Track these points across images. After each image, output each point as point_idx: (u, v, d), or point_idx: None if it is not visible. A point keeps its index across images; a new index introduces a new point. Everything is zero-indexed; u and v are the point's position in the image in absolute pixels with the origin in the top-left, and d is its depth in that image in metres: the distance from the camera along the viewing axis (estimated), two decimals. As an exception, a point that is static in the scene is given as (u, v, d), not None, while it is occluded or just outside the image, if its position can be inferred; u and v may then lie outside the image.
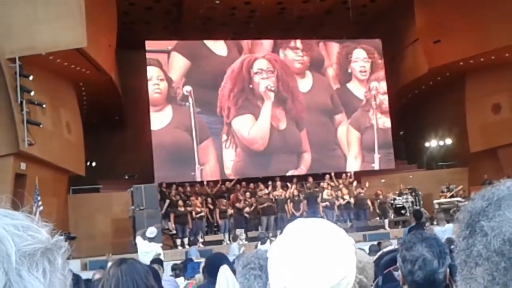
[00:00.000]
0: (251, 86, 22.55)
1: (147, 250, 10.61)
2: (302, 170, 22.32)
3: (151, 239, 11.12)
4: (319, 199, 19.91)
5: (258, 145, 22.29)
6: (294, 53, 23.39)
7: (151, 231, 11.27)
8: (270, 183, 20.63)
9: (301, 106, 22.93)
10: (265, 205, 19.28)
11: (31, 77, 14.77)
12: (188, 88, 21.80)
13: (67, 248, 0.82)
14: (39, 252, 0.75)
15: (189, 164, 21.34)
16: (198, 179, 21.29)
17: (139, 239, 11.32)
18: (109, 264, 2.98)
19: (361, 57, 24.08)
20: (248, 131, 22.37)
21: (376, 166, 23.34)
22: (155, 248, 10.79)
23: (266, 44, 23.01)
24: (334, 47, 24.06)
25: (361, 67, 23.99)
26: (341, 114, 23.52)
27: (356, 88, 23.83)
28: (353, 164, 23.12)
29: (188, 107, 21.85)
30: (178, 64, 22.02)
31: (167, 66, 21.77)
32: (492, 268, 0.77)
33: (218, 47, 22.63)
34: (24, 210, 0.82)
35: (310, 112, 22.94)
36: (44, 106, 15.55)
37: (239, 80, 22.47)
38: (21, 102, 14.46)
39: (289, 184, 20.50)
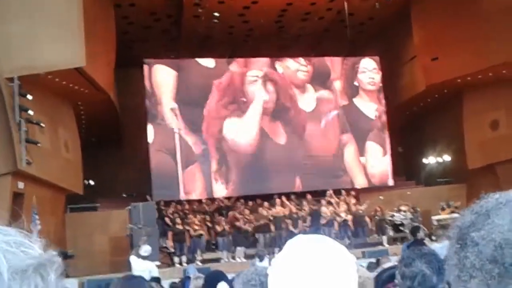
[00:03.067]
0: (244, 99, 21.62)
1: (141, 268, 10.53)
2: (300, 187, 22.09)
3: (145, 257, 11.05)
4: (322, 217, 19.76)
5: (250, 148, 21.32)
6: (296, 62, 22.85)
7: (145, 250, 11.20)
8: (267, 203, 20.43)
9: (301, 118, 22.17)
10: (261, 222, 19.20)
11: (29, 96, 14.80)
12: (173, 105, 20.87)
13: (60, 264, 0.81)
14: (31, 268, 0.74)
15: (172, 192, 20.34)
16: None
17: (133, 258, 11.25)
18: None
19: (369, 67, 23.78)
20: (236, 133, 21.27)
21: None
22: (150, 267, 10.71)
23: (263, 61, 22.69)
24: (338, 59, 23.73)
25: (370, 78, 23.64)
26: (348, 134, 23.03)
27: (364, 104, 23.49)
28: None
29: (172, 127, 20.79)
30: (162, 78, 21.27)
31: (147, 80, 21.21)
32: (486, 278, 0.76)
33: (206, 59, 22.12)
34: (17, 226, 0.82)
35: (312, 131, 22.30)
36: (42, 125, 15.57)
37: (229, 92, 21.46)
38: (20, 121, 14.47)
39: (286, 202, 20.35)
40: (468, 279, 0.78)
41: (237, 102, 21.61)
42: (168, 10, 21.49)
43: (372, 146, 23.21)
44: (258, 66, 22.51)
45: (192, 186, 20.81)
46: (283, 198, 20.39)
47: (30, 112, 14.88)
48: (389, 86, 23.76)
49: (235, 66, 22.24)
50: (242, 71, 22.02)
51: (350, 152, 22.92)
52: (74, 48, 15.46)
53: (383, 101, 23.63)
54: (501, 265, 0.75)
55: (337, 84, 23.32)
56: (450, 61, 20.37)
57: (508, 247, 0.75)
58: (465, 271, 0.79)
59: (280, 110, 22.06)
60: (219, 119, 21.34)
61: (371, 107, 23.52)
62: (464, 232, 0.81)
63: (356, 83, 23.58)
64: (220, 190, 21.11)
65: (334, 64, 23.53)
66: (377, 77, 23.80)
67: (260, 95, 21.79)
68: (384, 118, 23.51)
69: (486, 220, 0.79)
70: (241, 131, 21.44)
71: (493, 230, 0.77)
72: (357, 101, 23.51)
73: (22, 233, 0.80)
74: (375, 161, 23.11)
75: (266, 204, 20.01)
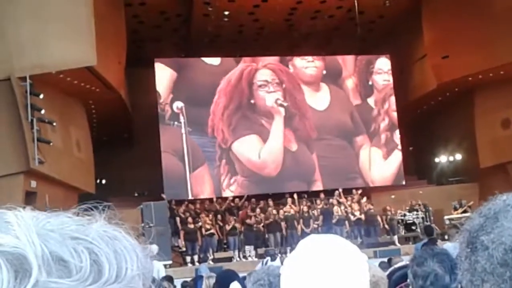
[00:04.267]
0: (252, 101, 21.15)
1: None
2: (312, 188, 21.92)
3: (152, 257, 11.06)
4: (332, 215, 19.71)
5: (270, 170, 20.84)
6: (303, 59, 22.55)
7: (152, 249, 11.22)
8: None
9: (309, 123, 21.71)
10: (272, 221, 19.16)
11: (41, 96, 14.88)
12: (179, 104, 20.49)
13: None
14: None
15: (182, 193, 20.00)
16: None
17: None
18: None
19: (385, 69, 23.57)
20: (258, 154, 20.72)
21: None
22: (157, 266, 10.72)
23: (272, 60, 22.48)
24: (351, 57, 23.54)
25: (385, 80, 23.46)
26: (363, 135, 22.78)
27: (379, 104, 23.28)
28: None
29: (179, 127, 20.34)
30: (163, 76, 21.05)
31: (158, 80, 21.06)
32: (498, 281, 0.75)
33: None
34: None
35: (326, 133, 21.93)
36: (54, 124, 15.64)
37: (236, 94, 20.97)
38: (32, 120, 14.56)
39: (296, 202, 20.25)
40: (480, 283, 0.78)
41: (243, 108, 21.12)
42: (178, 9, 21.53)
43: (376, 151, 23.06)
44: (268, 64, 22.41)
45: (200, 188, 20.62)
46: (295, 197, 20.33)
47: (42, 111, 14.96)
48: (400, 85, 23.68)
49: (243, 65, 22.02)
50: (250, 70, 21.63)
51: (365, 153, 22.72)
52: (85, 47, 15.53)
53: (393, 105, 23.49)
54: None
55: (349, 83, 23.15)
56: (461, 59, 20.26)
57: None
58: (476, 275, 0.79)
59: (289, 117, 21.68)
60: (224, 128, 20.89)
61: (385, 108, 23.35)
62: (474, 236, 0.81)
63: (370, 83, 23.44)
64: (229, 193, 20.92)
65: (346, 62, 23.40)
66: (391, 78, 23.63)
67: (278, 112, 21.32)
68: (394, 119, 23.37)
69: (495, 223, 0.79)
70: (264, 152, 21.03)
71: (503, 233, 0.77)
72: (371, 101, 23.38)
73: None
74: (381, 165, 22.93)
75: (274, 203, 19.97)
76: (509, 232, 0.77)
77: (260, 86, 21.52)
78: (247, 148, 20.89)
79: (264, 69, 21.89)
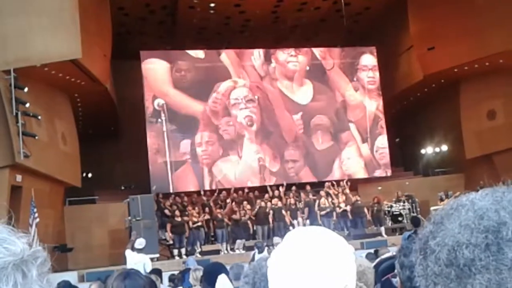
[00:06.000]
0: (231, 123, 21.12)
1: (135, 261, 10.55)
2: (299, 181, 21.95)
3: (139, 250, 11.05)
4: (316, 207, 19.77)
5: (251, 181, 20.96)
6: (285, 54, 22.57)
7: (140, 242, 11.20)
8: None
9: (290, 134, 21.67)
10: (260, 214, 19.14)
11: (26, 89, 14.77)
12: (160, 101, 20.42)
13: (45, 259, 0.81)
14: (10, 265, 0.75)
15: (166, 189, 19.84)
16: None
17: (128, 251, 11.27)
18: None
19: (369, 65, 23.58)
20: (234, 174, 20.76)
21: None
22: (143, 260, 10.72)
23: (256, 52, 22.48)
24: (335, 50, 23.56)
25: (370, 77, 23.39)
26: (349, 131, 22.76)
27: (363, 99, 23.21)
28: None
29: (161, 124, 20.26)
30: (154, 73, 20.92)
31: (143, 74, 20.96)
32: (446, 282, 0.79)
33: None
34: (4, 222, 0.82)
35: (310, 129, 22.01)
36: (39, 117, 15.54)
37: (214, 126, 20.94)
38: (16, 114, 14.45)
39: (282, 194, 20.28)
40: (433, 286, 0.82)
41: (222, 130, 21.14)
42: (163, 1, 21.42)
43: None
44: (254, 56, 22.35)
45: (184, 187, 20.54)
46: (281, 189, 20.36)
47: (27, 104, 14.86)
48: (386, 76, 23.73)
49: (226, 57, 21.95)
50: (224, 93, 21.43)
51: (351, 150, 22.70)
52: (70, 40, 15.42)
53: (381, 101, 23.52)
54: (456, 267, 0.78)
55: (334, 77, 23.15)
56: (447, 50, 20.36)
57: (459, 249, 0.78)
58: (429, 279, 0.82)
59: (265, 135, 21.67)
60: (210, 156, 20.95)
61: (371, 104, 23.38)
62: (424, 242, 0.85)
63: (355, 79, 23.42)
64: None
65: (332, 55, 23.38)
66: (377, 74, 23.62)
67: (248, 131, 21.33)
68: (381, 116, 23.43)
69: (441, 227, 0.83)
70: (240, 169, 21.08)
71: (446, 235, 0.81)
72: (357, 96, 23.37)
73: (8, 228, 0.79)
74: (366, 157, 23.01)
75: (266, 196, 19.99)
76: (451, 233, 0.81)
77: (233, 104, 21.44)
78: (226, 169, 20.95)
79: (243, 87, 21.73)
